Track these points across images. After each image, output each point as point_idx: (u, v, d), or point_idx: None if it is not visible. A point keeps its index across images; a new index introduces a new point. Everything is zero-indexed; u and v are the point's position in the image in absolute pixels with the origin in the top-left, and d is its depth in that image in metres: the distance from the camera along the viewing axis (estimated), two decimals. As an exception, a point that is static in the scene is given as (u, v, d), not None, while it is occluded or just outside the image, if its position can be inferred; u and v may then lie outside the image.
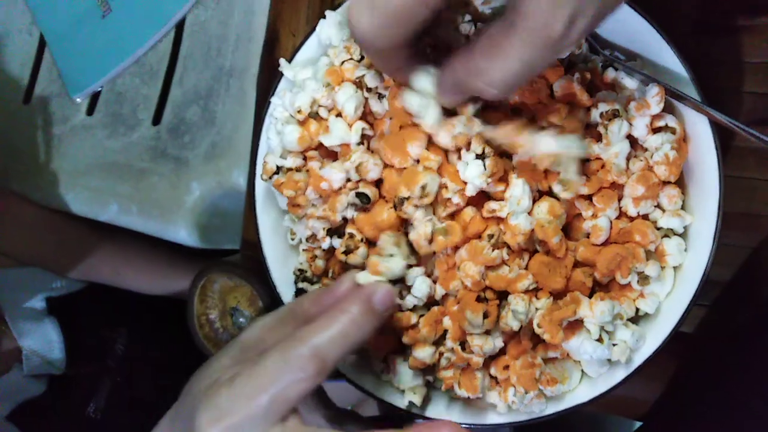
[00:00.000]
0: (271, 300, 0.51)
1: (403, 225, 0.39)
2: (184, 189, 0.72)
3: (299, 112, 0.41)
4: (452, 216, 0.38)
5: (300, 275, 0.45)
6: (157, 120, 0.76)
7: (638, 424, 0.54)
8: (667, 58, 0.38)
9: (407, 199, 0.37)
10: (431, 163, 0.37)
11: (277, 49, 0.61)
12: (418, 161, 0.37)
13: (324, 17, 0.44)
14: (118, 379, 0.77)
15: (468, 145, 0.37)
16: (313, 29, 0.45)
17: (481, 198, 0.38)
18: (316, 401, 0.74)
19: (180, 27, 0.74)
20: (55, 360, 0.73)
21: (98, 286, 0.81)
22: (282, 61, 0.45)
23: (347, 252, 0.39)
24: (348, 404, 0.81)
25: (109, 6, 0.77)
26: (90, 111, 0.78)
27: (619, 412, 0.53)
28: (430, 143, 0.38)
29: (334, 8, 0.45)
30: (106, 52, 0.78)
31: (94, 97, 0.78)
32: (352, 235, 0.39)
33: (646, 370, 0.46)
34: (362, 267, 0.40)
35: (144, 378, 0.81)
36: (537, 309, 0.38)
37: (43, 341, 0.72)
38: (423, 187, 0.36)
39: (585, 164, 0.38)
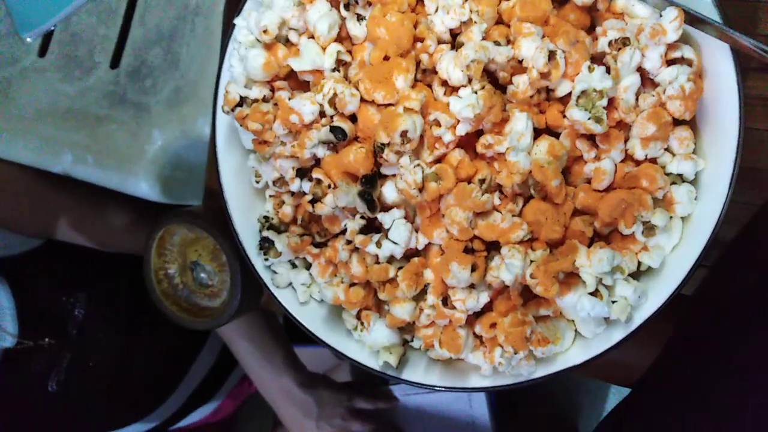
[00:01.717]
0: (236, 253, 0.46)
1: (377, 167, 0.34)
2: (145, 138, 0.67)
3: (265, 32, 0.36)
4: (439, 160, 0.34)
5: (266, 223, 0.41)
6: (115, 63, 0.70)
7: (627, 391, 0.50)
8: (686, -21, 0.33)
9: (387, 145, 0.32)
10: (413, 103, 0.32)
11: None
12: (396, 104, 0.33)
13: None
14: (78, 348, 0.73)
15: (470, 81, 0.32)
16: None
17: (471, 140, 0.34)
18: (285, 366, 0.71)
19: (141, -40, 0.68)
20: (6, 327, 0.68)
21: (53, 244, 0.76)
22: (247, -23, 0.39)
23: (314, 201, 0.34)
24: (320, 369, 0.78)
25: (62, -65, 0.70)
26: (42, 52, 0.72)
27: (607, 378, 0.50)
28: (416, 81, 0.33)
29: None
30: (60, -13, 0.71)
31: (47, 37, 0.72)
32: (319, 181, 0.35)
33: (639, 333, 0.43)
34: (331, 219, 0.35)
35: (103, 345, 0.77)
36: (531, 261, 0.33)
37: None
38: (404, 133, 0.31)
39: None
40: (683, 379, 0.46)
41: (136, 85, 0.69)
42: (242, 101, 0.38)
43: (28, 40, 0.72)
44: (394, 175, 0.35)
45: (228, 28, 0.54)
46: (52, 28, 0.71)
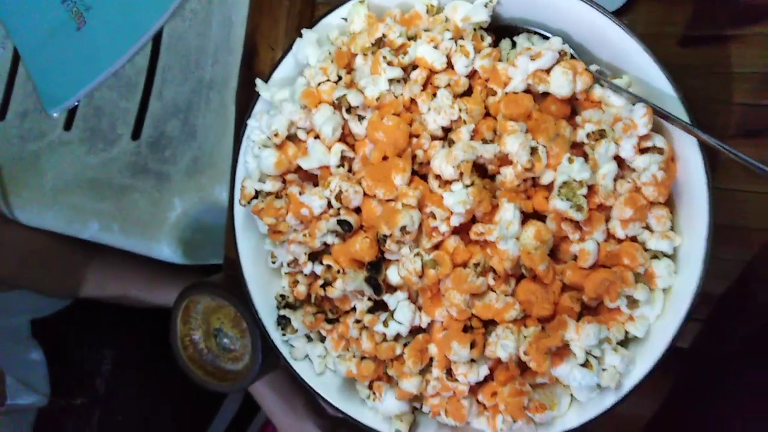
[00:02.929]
0: (255, 320, 0.49)
1: (381, 254, 0.38)
2: (166, 205, 0.71)
3: (276, 135, 0.40)
4: (437, 246, 0.37)
5: (282, 301, 0.44)
6: (136, 134, 0.74)
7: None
8: (655, 75, 0.37)
9: (389, 236, 0.36)
10: (410, 199, 0.36)
11: (256, 62, 0.60)
12: (395, 199, 0.36)
13: (301, 35, 0.43)
14: (106, 404, 0.76)
15: (461, 175, 0.36)
16: (290, 47, 0.44)
17: (465, 228, 0.37)
18: (307, 411, 0.74)
19: (157, 39, 0.73)
20: (40, 388, 0.71)
21: (82, 304, 0.80)
22: (258, 81, 0.44)
23: (325, 285, 0.38)
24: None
25: (83, 18, 0.75)
26: (67, 126, 0.77)
27: (615, 428, 0.53)
28: (413, 175, 0.37)
29: (311, 25, 0.44)
30: (82, 66, 0.76)
31: (71, 112, 0.76)
32: (329, 267, 0.38)
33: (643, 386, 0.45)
34: (341, 299, 0.39)
35: (131, 399, 0.80)
36: (525, 337, 0.37)
37: (26, 364, 0.71)
38: (403, 228, 0.35)
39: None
40: (685, 426, 0.49)
41: (156, 155, 0.73)
42: (257, 194, 0.42)
43: (54, 115, 0.77)
44: (397, 260, 0.39)
45: (242, 109, 0.58)
46: (76, 103, 0.76)
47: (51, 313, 0.78)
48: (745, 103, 0.47)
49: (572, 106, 0.40)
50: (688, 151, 0.36)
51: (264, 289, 0.46)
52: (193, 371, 0.58)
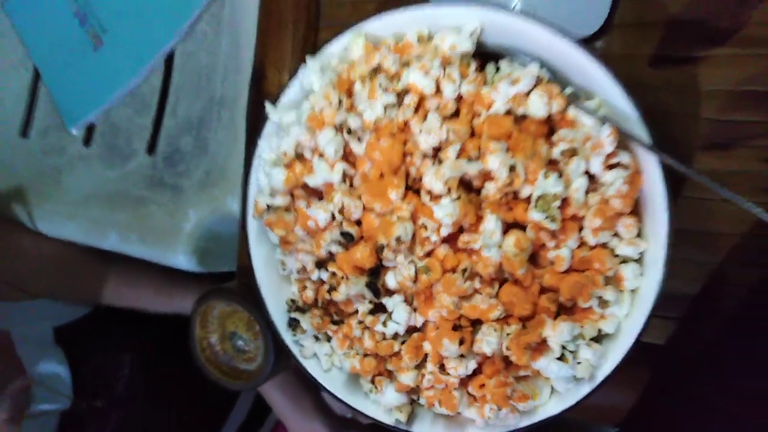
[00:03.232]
0: (268, 324, 0.54)
1: (379, 262, 0.43)
2: (181, 216, 0.75)
3: (285, 155, 0.45)
4: (429, 254, 0.42)
5: (292, 305, 0.49)
6: (151, 149, 0.79)
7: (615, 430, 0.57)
8: (620, 99, 0.41)
9: (386, 246, 0.40)
10: (403, 212, 0.40)
11: (264, 83, 0.64)
12: (391, 212, 0.41)
13: (305, 62, 0.47)
14: (125, 407, 0.79)
15: (449, 191, 0.41)
16: (296, 73, 0.48)
17: (454, 236, 0.42)
18: (315, 411, 0.77)
19: (170, 59, 0.77)
20: (63, 391, 0.75)
21: (102, 311, 0.83)
22: (268, 105, 0.48)
23: (331, 290, 0.43)
24: (348, 413, 0.85)
25: (100, 39, 0.80)
26: (86, 142, 0.81)
27: (597, 419, 0.57)
28: (407, 189, 0.41)
29: (314, 52, 0.48)
30: (100, 84, 0.80)
31: (90, 129, 0.81)
32: (334, 274, 0.43)
33: (620, 379, 0.50)
34: (345, 302, 0.43)
35: (148, 401, 0.83)
36: (507, 334, 0.41)
37: (50, 370, 0.75)
38: (398, 238, 0.40)
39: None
40: (660, 417, 0.53)
41: (171, 169, 0.77)
42: (269, 208, 0.46)
43: (74, 132, 0.81)
44: (394, 267, 0.43)
45: (252, 127, 0.63)
46: (94, 120, 0.81)
47: (72, 320, 0.82)
48: (711, 119, 0.51)
49: (550, 125, 0.44)
50: (650, 167, 0.41)
51: (275, 295, 0.50)
52: (210, 371, 0.62)
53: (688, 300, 0.53)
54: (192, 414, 0.90)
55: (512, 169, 0.40)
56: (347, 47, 0.47)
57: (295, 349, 0.50)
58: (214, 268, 0.75)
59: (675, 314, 0.54)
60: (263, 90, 0.64)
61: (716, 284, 0.52)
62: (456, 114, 0.44)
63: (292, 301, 0.49)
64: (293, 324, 0.48)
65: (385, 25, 0.45)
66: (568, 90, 0.44)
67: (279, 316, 0.50)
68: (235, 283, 0.63)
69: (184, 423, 0.89)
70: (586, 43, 0.54)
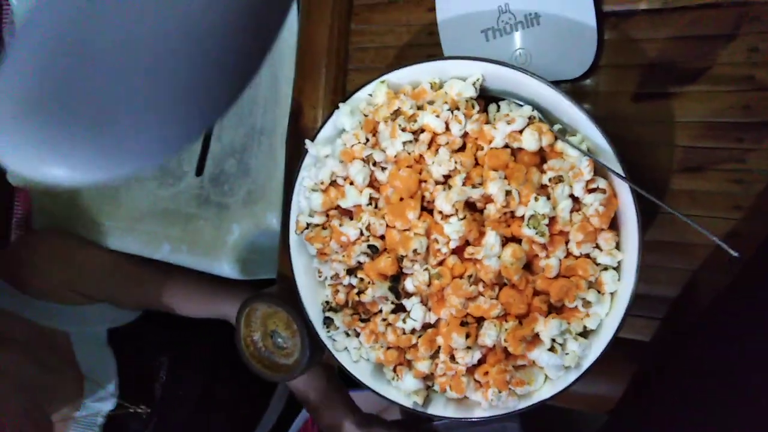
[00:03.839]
0: (304, 323, 0.63)
1: (400, 270, 0.52)
2: (226, 230, 0.84)
3: (321, 183, 0.54)
4: (440, 263, 0.51)
5: (327, 306, 0.58)
6: (199, 171, 0.88)
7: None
8: (599, 137, 0.50)
9: (405, 256, 0.49)
10: (419, 229, 0.50)
11: (300, 117, 0.74)
12: (409, 229, 0.50)
13: (338, 107, 0.57)
14: (162, 408, 0.84)
15: (456, 211, 0.50)
16: (330, 114, 0.58)
17: (461, 249, 0.51)
18: (345, 409, 0.85)
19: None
20: (110, 389, 0.81)
21: (149, 316, 0.91)
22: (308, 142, 0.58)
23: (359, 292, 0.52)
24: (373, 411, 0.89)
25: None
26: (143, 165, 0.91)
27: (588, 408, 0.65)
28: (422, 210, 0.51)
29: (344, 95, 0.58)
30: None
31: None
32: (362, 279, 0.52)
33: (609, 372, 0.58)
34: (371, 303, 0.52)
35: (184, 404, 0.89)
36: (505, 329, 0.50)
37: (102, 370, 0.82)
38: (415, 250, 0.49)
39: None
40: (645, 405, 0.61)
41: (217, 189, 0.87)
42: (308, 226, 0.56)
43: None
44: (411, 274, 0.52)
45: (292, 155, 0.72)
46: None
47: (125, 323, 0.89)
48: (685, 146, 0.59)
49: (542, 155, 0.53)
50: (623, 191, 0.49)
51: (313, 298, 0.60)
52: (253, 365, 0.71)
53: (669, 303, 0.61)
54: (227, 414, 0.96)
55: (508, 193, 0.49)
56: (372, 93, 0.56)
57: (329, 343, 0.59)
58: (255, 275, 0.84)
59: (659, 315, 0.62)
60: (300, 123, 0.74)
61: (691, 288, 0.59)
62: (462, 148, 0.53)
63: (327, 302, 0.58)
64: (328, 322, 0.57)
65: (403, 75, 0.55)
66: (556, 127, 0.53)
67: (315, 316, 0.60)
68: (276, 288, 0.72)
69: (218, 423, 0.95)
70: (576, 82, 0.63)
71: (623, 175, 0.48)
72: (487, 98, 0.56)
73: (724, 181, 0.59)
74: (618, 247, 0.51)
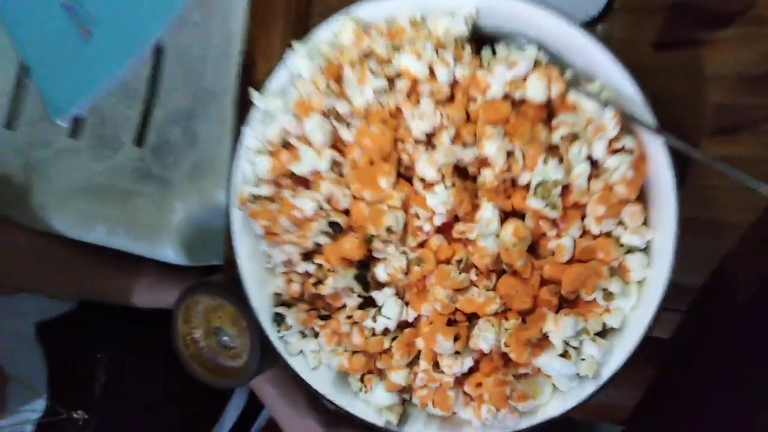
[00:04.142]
0: (254, 318, 0.52)
1: (369, 254, 0.40)
2: (169, 209, 0.74)
3: (270, 144, 0.43)
4: (421, 245, 0.40)
5: (277, 300, 0.47)
6: (139, 141, 0.77)
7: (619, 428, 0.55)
8: (622, 81, 0.39)
9: (376, 236, 0.38)
10: (394, 201, 0.38)
11: (253, 72, 0.63)
12: (381, 201, 0.39)
13: (292, 49, 0.45)
14: (101, 411, 0.77)
15: (443, 177, 0.38)
16: (284, 59, 0.46)
17: (448, 226, 0.39)
18: (309, 406, 0.76)
19: (159, 49, 0.75)
20: (40, 390, 0.73)
21: (84, 308, 0.82)
22: (253, 91, 0.46)
23: (318, 283, 0.40)
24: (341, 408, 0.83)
25: (88, 30, 0.78)
26: (73, 134, 0.79)
27: (600, 418, 0.55)
28: (398, 177, 0.39)
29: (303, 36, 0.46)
30: (88, 75, 0.79)
31: (78, 121, 0.79)
32: (321, 266, 0.41)
33: (624, 376, 0.47)
34: (333, 296, 0.41)
35: (129, 406, 0.81)
36: (506, 329, 0.39)
37: (29, 369, 0.72)
38: (389, 228, 0.38)
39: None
40: (666, 416, 0.51)
41: (159, 161, 0.76)
42: (253, 198, 0.44)
43: (61, 123, 0.79)
44: (384, 258, 0.41)
45: (241, 116, 0.61)
46: (82, 112, 0.79)
47: (55, 316, 0.80)
48: (718, 103, 0.50)
49: (550, 109, 0.42)
50: (656, 151, 0.38)
51: (260, 288, 0.48)
52: (194, 368, 0.60)
53: (692, 292, 0.51)
54: (180, 414, 0.89)
55: (510, 154, 0.38)
56: (337, 33, 0.45)
57: (280, 346, 0.48)
58: (203, 261, 0.74)
59: (682, 307, 0.52)
60: (252, 79, 0.62)
61: (721, 277, 0.50)
62: (450, 99, 0.42)
63: (278, 294, 0.46)
64: (278, 319, 0.46)
65: (376, 10, 0.44)
66: (568, 73, 0.42)
67: (264, 311, 0.48)
68: (221, 276, 0.61)
69: (179, 414, 0.87)
70: (587, 28, 0.52)
71: (659, 128, 0.37)
72: (479, 41, 0.44)
73: (761, 146, 0.49)
74: (646, 223, 0.41)
